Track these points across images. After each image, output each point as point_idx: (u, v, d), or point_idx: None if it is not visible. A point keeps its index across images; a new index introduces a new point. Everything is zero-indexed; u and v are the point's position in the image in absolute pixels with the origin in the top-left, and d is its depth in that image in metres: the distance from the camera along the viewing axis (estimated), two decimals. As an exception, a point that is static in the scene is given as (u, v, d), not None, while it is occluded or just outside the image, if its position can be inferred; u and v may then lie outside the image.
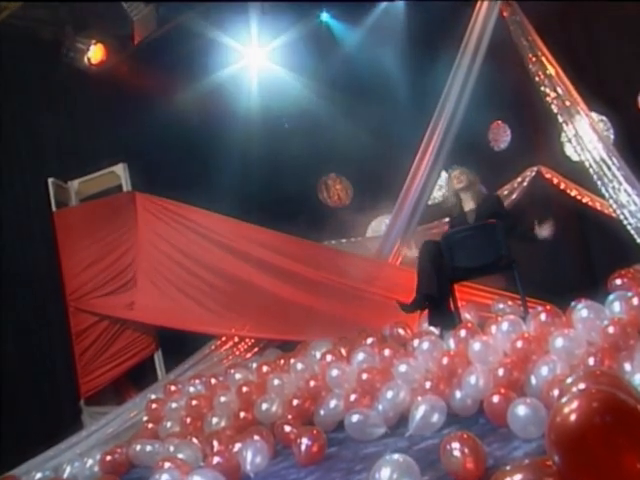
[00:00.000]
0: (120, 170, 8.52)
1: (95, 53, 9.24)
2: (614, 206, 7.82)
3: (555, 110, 8.13)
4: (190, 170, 9.67)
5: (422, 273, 6.51)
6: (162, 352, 8.23)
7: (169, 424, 6.41)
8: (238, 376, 6.64)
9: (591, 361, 4.77)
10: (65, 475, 6.14)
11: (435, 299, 6.44)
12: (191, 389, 6.82)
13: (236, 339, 7.88)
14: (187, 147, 9.77)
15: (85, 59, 9.23)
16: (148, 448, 6.02)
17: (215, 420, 6.14)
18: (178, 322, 7.81)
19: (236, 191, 9.37)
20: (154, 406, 6.79)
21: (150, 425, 6.58)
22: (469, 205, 6.87)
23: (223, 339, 7.90)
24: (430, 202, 8.90)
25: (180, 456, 5.42)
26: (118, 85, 9.34)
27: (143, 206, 8.27)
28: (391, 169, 9.00)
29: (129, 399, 7.78)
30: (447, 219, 7.26)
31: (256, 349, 7.80)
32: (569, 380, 2.86)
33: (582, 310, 5.27)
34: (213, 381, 6.76)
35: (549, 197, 9.18)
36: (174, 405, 6.59)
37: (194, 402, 6.43)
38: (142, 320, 8.04)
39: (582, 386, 2.68)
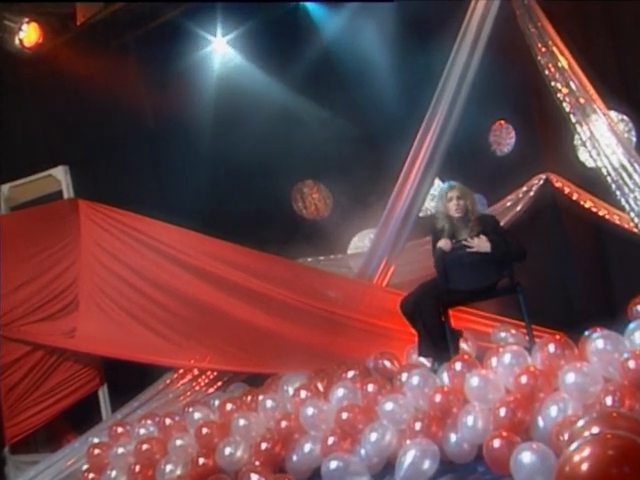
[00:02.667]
0: (60, 173, 8.46)
1: (29, 34, 9.10)
2: (635, 220, 7.85)
3: (567, 108, 8.15)
4: (143, 175, 9.62)
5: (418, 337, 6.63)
6: (108, 388, 8.17)
7: (114, 473, 6.37)
8: (197, 415, 6.63)
9: (608, 400, 4.81)
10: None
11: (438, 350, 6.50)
12: (142, 431, 6.78)
13: (196, 372, 7.87)
14: (139, 148, 9.72)
15: (16, 40, 9.09)
16: (88, 503, 5.99)
17: (169, 467, 6.12)
18: (127, 352, 7.76)
19: (196, 200, 9.33)
20: (97, 452, 6.74)
21: (91, 475, 6.55)
22: (463, 235, 6.82)
23: (180, 372, 7.89)
24: (422, 214, 8.91)
25: (127, 511, 5.39)
26: (57, 73, 9.25)
27: (87, 216, 8.23)
28: (377, 175, 8.99)
29: (66, 444, 7.70)
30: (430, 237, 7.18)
31: (219, 384, 7.80)
32: (580, 423, 2.87)
33: (598, 341, 5.30)
34: (168, 421, 6.74)
35: (559, 209, 9.21)
36: (121, 450, 6.55)
37: (145, 446, 6.40)
38: (84, 350, 7.98)
39: (595, 430, 2.69)
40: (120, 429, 6.93)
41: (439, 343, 6.48)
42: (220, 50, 9.95)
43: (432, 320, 6.50)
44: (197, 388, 7.78)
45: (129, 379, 7.97)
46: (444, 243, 6.65)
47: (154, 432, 6.72)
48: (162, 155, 9.71)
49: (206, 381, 7.82)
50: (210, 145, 9.53)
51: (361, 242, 9.71)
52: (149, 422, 6.83)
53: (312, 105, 9.61)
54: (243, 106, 9.63)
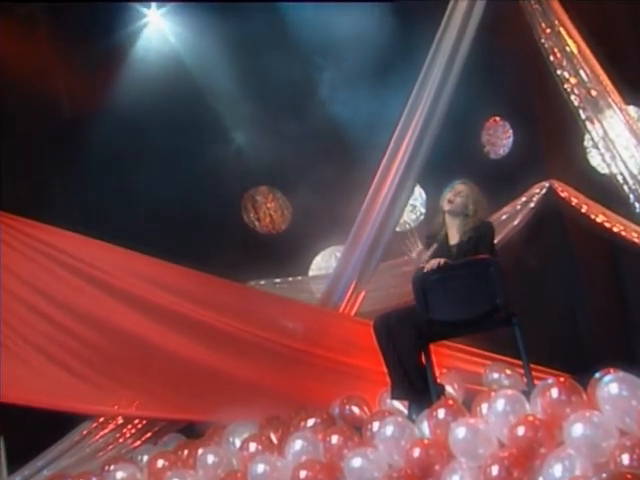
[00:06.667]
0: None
1: None
2: (657, 238, 7.94)
3: (576, 102, 8.22)
4: (56, 178, 9.50)
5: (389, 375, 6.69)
6: (5, 442, 7.99)
7: None
8: (120, 475, 6.61)
9: (625, 459, 4.78)
10: None
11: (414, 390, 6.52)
12: (49, 496, 6.70)
13: (120, 420, 7.78)
14: (52, 145, 9.62)
15: None
16: None
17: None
18: (33, 397, 7.56)
19: (124, 209, 9.25)
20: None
21: None
22: (454, 238, 6.94)
23: (100, 421, 7.78)
24: (399, 229, 8.96)
25: None
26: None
27: (-16, 227, 8.13)
28: (345, 182, 8.99)
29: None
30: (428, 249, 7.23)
31: (148, 435, 7.75)
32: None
33: (611, 384, 5.27)
34: (84, 483, 6.65)
35: (565, 224, 9.25)
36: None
37: (53, 515, 6.32)
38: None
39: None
40: (21, 494, 6.84)
41: (418, 384, 6.48)
42: (155, 25, 9.89)
43: (409, 355, 6.50)
44: (121, 440, 7.70)
45: (34, 431, 7.82)
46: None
47: (66, 497, 6.64)
48: (81, 153, 9.60)
49: (133, 431, 7.74)
50: (142, 141, 9.45)
51: (325, 262, 9.70)
52: (59, 485, 6.74)
53: (267, 95, 9.57)
54: (183, 94, 9.56)
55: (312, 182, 9.41)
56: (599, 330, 9.11)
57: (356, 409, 6.95)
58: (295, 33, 9.64)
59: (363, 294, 8.33)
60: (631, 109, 8.44)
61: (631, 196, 8.04)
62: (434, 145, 8.38)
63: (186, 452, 6.65)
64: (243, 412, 7.14)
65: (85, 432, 7.75)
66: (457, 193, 6.93)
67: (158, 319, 7.69)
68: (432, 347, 6.64)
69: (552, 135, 9.26)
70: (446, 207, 6.93)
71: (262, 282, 9.23)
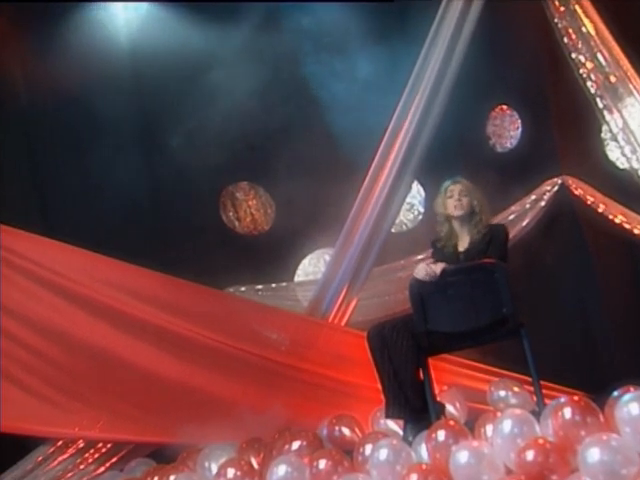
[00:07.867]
0: None
1: None
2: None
3: (593, 89, 8.20)
4: (12, 172, 9.44)
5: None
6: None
7: None
8: (82, 505, 6.51)
9: (648, 488, 4.76)
10: None
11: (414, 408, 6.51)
12: (2, 528, 6.63)
13: (81, 444, 7.72)
14: (7, 134, 9.55)
15: None
16: None
17: None
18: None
19: (89, 207, 9.18)
20: None
21: None
22: (464, 243, 6.96)
23: (59, 444, 7.72)
24: (395, 229, 8.98)
25: None
26: None
27: None
28: (335, 177, 8.98)
29: None
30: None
31: (114, 459, 7.69)
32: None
33: (631, 404, 5.25)
34: (40, 514, 6.60)
35: (580, 225, 9.25)
36: None
37: None
38: None
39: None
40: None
41: (415, 402, 6.48)
42: (121, 5, 9.82)
43: (406, 370, 6.50)
44: (82, 467, 7.64)
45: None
46: (427, 270, 6.59)
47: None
48: (40, 145, 9.55)
49: (96, 456, 7.69)
50: (108, 132, 9.43)
51: (313, 266, 9.68)
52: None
53: (250, 80, 9.51)
54: (153, 79, 9.56)
55: (298, 178, 9.39)
56: (618, 343, 9.13)
57: (346, 430, 6.97)
58: (280, 15, 9.64)
59: (355, 302, 8.33)
60: (653, 97, 8.44)
61: (653, 194, 8.04)
62: (434, 137, 8.38)
63: (156, 479, 6.62)
64: (220, 433, 7.15)
65: (41, 458, 7.68)
66: (459, 194, 6.94)
67: (125, 329, 7.63)
68: (431, 361, 6.63)
69: (565, 126, 9.28)
70: (457, 212, 6.93)
71: (242, 288, 9.23)
